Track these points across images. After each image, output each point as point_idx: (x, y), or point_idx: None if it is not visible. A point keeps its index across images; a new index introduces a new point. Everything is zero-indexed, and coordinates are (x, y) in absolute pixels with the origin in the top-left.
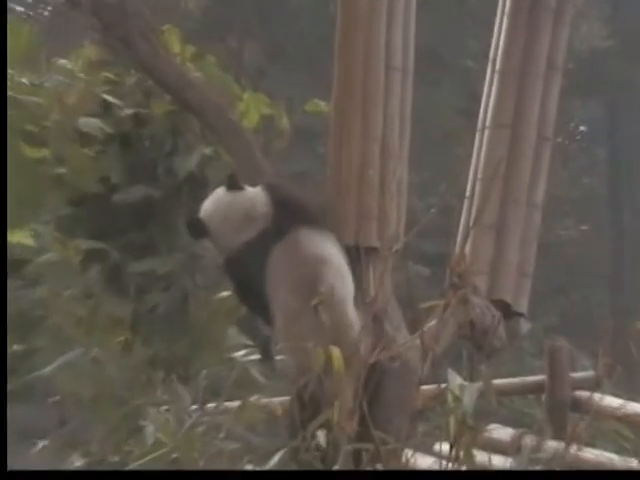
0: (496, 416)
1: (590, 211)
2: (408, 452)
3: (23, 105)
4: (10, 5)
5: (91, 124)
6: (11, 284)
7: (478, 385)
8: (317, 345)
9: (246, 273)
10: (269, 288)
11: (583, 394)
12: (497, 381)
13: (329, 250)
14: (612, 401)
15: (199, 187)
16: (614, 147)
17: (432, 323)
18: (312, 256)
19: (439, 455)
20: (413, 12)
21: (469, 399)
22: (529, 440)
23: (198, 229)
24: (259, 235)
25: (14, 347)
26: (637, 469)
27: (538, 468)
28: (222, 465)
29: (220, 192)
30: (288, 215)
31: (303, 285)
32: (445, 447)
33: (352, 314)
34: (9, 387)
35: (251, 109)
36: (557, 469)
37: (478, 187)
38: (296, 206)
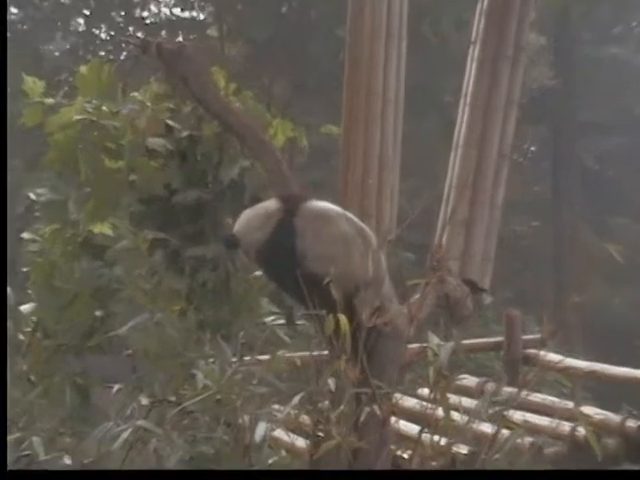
0: (465, 368)
1: (538, 211)
2: (397, 395)
3: (104, 127)
4: (95, 50)
5: (157, 142)
6: (95, 264)
7: (451, 344)
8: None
9: (274, 255)
10: (307, 247)
11: (532, 351)
12: (466, 341)
13: (331, 205)
14: (554, 357)
15: (239, 191)
16: (557, 162)
17: (416, 296)
18: (327, 207)
19: (421, 397)
20: (403, 58)
21: (444, 355)
22: (490, 386)
23: (232, 242)
24: (277, 224)
25: (97, 313)
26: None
27: (497, 408)
28: (255, 404)
29: (245, 211)
30: (295, 200)
31: (338, 223)
32: (426, 391)
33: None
34: (92, 343)
35: (279, 132)
36: (511, 410)
37: (452, 192)
38: (300, 194)
